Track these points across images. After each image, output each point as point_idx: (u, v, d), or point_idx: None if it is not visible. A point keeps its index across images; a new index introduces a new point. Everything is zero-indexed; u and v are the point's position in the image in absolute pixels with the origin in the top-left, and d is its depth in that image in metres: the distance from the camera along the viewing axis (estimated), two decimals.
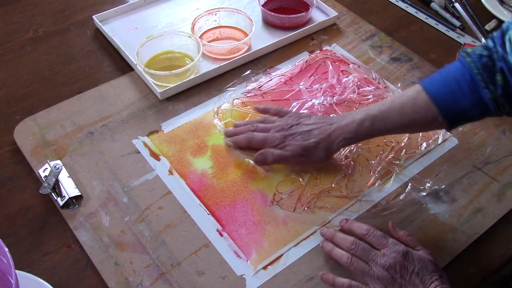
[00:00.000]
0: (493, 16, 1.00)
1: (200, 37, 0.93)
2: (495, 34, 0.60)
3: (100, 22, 0.94)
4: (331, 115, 0.77)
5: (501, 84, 0.58)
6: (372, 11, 1.04)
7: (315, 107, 0.82)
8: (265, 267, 0.64)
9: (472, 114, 0.61)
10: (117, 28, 0.95)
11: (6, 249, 0.48)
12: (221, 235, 0.67)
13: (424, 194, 0.72)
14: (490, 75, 0.58)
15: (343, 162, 0.75)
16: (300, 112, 0.80)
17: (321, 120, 0.72)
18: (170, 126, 0.80)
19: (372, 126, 0.67)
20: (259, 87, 0.86)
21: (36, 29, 0.97)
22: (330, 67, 0.90)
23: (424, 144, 0.78)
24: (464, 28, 1.00)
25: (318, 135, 0.70)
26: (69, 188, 0.70)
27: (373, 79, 0.88)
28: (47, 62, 0.90)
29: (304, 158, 0.72)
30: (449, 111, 0.62)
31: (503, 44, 0.58)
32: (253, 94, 0.85)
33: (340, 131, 0.69)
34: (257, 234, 0.67)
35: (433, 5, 1.05)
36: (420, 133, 0.79)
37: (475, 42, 0.97)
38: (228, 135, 0.78)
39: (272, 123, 0.75)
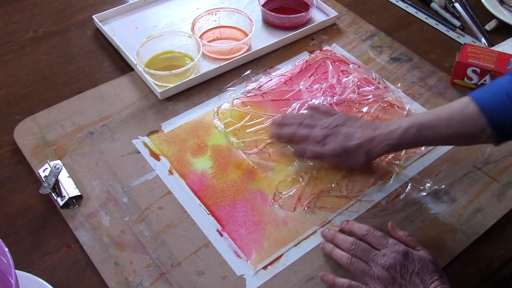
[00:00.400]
0: (493, 16, 1.00)
1: (200, 37, 0.93)
2: None
3: (100, 22, 0.94)
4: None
5: None
6: (372, 11, 1.04)
7: None
8: (265, 267, 0.64)
9: None
10: (117, 28, 0.95)
11: (6, 249, 0.48)
12: (221, 235, 0.67)
13: (424, 194, 0.72)
14: None
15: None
16: (350, 114, 0.79)
17: (366, 124, 0.71)
18: (170, 126, 0.80)
19: (419, 133, 0.66)
20: (259, 87, 0.86)
21: (36, 29, 0.97)
22: (330, 67, 0.90)
23: None
24: (464, 28, 1.00)
25: (360, 138, 0.69)
26: (69, 188, 0.70)
27: (373, 79, 0.88)
28: (47, 62, 0.90)
29: (342, 158, 0.71)
30: (499, 122, 0.61)
31: None
32: (253, 94, 0.85)
33: (384, 136, 0.68)
34: (257, 234, 0.67)
35: (433, 5, 1.05)
36: None
37: (475, 42, 0.97)
38: (275, 123, 0.77)
39: (319, 120, 0.74)
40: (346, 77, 0.88)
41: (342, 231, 0.66)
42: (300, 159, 0.74)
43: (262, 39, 0.94)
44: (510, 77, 0.61)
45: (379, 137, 0.68)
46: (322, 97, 0.84)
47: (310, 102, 0.83)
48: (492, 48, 0.92)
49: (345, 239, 0.63)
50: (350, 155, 0.70)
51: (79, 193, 0.70)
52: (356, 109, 0.83)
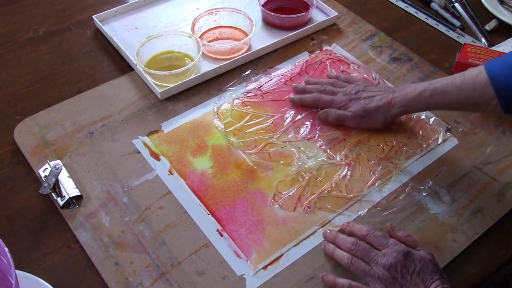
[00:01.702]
0: (493, 16, 1.00)
1: (200, 37, 0.93)
2: None
3: (100, 22, 0.94)
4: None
5: None
6: (372, 11, 1.04)
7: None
8: (265, 267, 0.64)
9: None
10: (117, 28, 0.95)
11: (6, 249, 0.48)
12: (221, 235, 0.67)
13: (424, 194, 0.72)
14: None
15: (343, 162, 0.75)
16: (369, 82, 0.83)
17: (384, 89, 0.78)
18: (170, 126, 0.80)
19: (431, 97, 0.70)
20: (259, 87, 0.86)
21: (36, 29, 0.97)
22: (329, 67, 0.90)
23: (424, 144, 0.78)
24: (464, 28, 1.00)
25: (380, 100, 0.75)
26: (69, 188, 0.70)
27: (373, 79, 0.88)
28: (47, 62, 0.90)
29: (363, 119, 0.77)
30: (505, 93, 0.64)
31: None
32: (253, 94, 0.85)
33: (400, 98, 0.74)
34: (257, 234, 0.67)
35: (433, 5, 1.05)
36: (420, 133, 0.79)
37: (475, 42, 0.97)
38: (297, 90, 0.83)
39: (340, 87, 0.81)
40: None
41: (342, 232, 0.66)
42: (324, 122, 0.80)
43: (262, 39, 0.94)
44: None
45: (396, 98, 0.74)
46: None
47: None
48: (492, 48, 0.92)
49: (346, 239, 0.63)
50: (371, 116, 0.76)
51: (79, 193, 0.70)
52: None
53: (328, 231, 0.66)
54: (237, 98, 0.84)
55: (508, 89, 0.63)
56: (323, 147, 0.77)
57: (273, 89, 0.86)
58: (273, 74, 0.88)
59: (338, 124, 0.79)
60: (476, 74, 0.66)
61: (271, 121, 0.81)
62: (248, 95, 0.85)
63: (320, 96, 0.80)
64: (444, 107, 0.72)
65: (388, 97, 0.74)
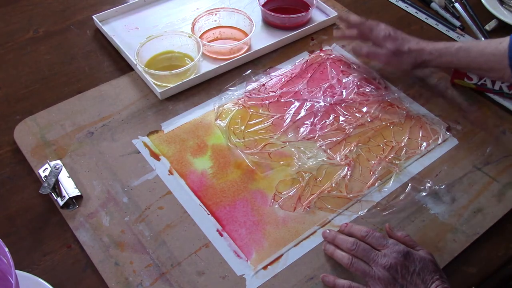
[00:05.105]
0: (493, 16, 1.00)
1: (200, 37, 0.93)
2: None
3: (100, 22, 0.94)
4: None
5: None
6: (372, 11, 1.04)
7: (315, 107, 0.82)
8: (265, 267, 0.64)
9: None
10: (117, 28, 0.95)
11: (6, 249, 0.48)
12: (221, 235, 0.67)
13: (424, 194, 0.72)
14: None
15: (343, 162, 0.75)
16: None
17: (419, 39, 0.82)
18: (170, 126, 0.80)
19: (456, 53, 0.75)
20: (259, 88, 0.86)
21: (36, 29, 0.97)
22: (329, 67, 0.90)
23: (424, 144, 0.78)
24: (464, 28, 1.00)
25: (414, 45, 0.80)
26: (69, 188, 0.70)
27: (373, 79, 0.88)
28: (47, 62, 0.90)
29: (394, 58, 0.81)
30: None
31: None
32: (254, 94, 0.84)
33: (431, 46, 0.79)
34: (257, 234, 0.67)
35: (433, 5, 1.05)
36: (420, 133, 0.79)
37: None
38: (337, 35, 0.92)
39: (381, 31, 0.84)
40: (346, 77, 0.88)
41: (341, 233, 0.66)
42: (356, 55, 0.88)
43: (262, 39, 0.94)
44: None
45: (428, 46, 0.79)
46: (322, 97, 0.84)
47: (310, 102, 0.84)
48: None
49: (346, 239, 0.63)
50: (401, 57, 0.80)
51: (79, 193, 0.70)
52: (356, 109, 0.83)
53: (328, 231, 0.66)
54: (239, 99, 0.84)
55: None
56: (323, 147, 0.77)
57: (273, 90, 0.85)
58: (273, 74, 0.88)
59: (369, 58, 0.86)
60: (500, 41, 0.69)
61: (271, 121, 0.81)
62: (248, 95, 0.84)
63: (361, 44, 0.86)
64: (466, 66, 0.78)
65: (420, 44, 0.79)
